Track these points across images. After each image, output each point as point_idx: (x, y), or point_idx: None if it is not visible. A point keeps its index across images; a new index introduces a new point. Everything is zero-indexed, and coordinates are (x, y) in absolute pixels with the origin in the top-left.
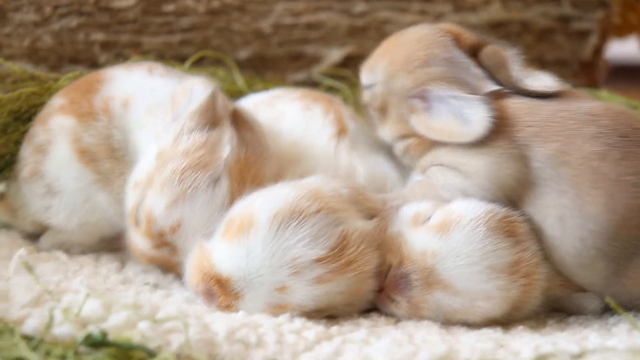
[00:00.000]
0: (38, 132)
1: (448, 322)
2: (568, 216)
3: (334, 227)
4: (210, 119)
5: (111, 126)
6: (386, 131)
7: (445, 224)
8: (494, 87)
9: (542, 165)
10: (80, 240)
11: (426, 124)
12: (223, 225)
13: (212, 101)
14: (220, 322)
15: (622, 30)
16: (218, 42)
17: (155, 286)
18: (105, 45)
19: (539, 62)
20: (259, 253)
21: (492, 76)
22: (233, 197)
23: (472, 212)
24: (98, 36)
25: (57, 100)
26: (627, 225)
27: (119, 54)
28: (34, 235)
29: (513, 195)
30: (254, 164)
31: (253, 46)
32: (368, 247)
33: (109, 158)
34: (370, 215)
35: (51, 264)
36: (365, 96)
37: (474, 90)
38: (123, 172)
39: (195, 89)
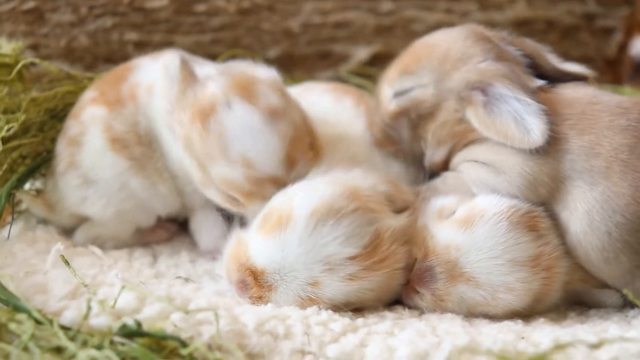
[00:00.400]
0: (71, 125)
1: (471, 314)
2: (596, 209)
3: (368, 226)
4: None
5: (138, 113)
6: (428, 136)
7: (469, 218)
8: (540, 82)
9: (575, 157)
10: (115, 231)
11: (483, 119)
12: (260, 218)
13: (185, 68)
14: (249, 314)
15: None
16: (248, 41)
17: (187, 280)
18: (138, 45)
19: (564, 60)
20: (295, 248)
21: (533, 65)
22: None
23: (495, 206)
24: (132, 36)
25: (89, 94)
26: None
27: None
28: (70, 231)
29: (545, 193)
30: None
31: (282, 45)
32: (399, 245)
33: (138, 144)
34: (403, 208)
35: (87, 258)
36: (397, 104)
37: (526, 88)
38: (152, 157)
39: (168, 65)
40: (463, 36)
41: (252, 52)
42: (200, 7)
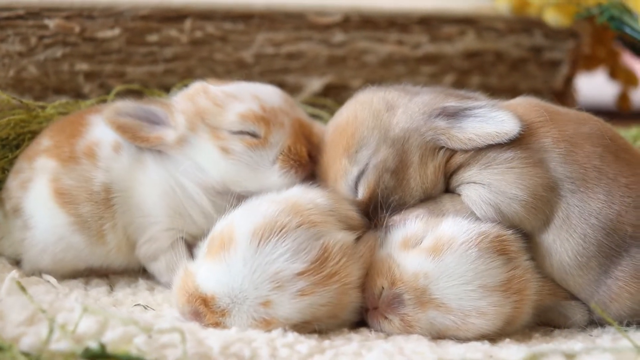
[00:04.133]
0: (24, 168)
1: (439, 337)
2: (575, 214)
3: (315, 241)
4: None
5: (94, 169)
6: (414, 184)
7: (436, 246)
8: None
9: (556, 165)
10: (55, 271)
11: (462, 136)
12: (205, 246)
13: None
14: (214, 337)
15: (590, 63)
16: (201, 71)
17: (146, 307)
18: (89, 75)
19: (513, 92)
20: (241, 269)
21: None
22: None
23: (464, 234)
24: (82, 66)
25: (45, 141)
26: (621, 221)
27: (103, 84)
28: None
29: (546, 208)
30: None
31: (235, 76)
32: (349, 259)
33: (88, 201)
34: (351, 226)
35: (42, 287)
36: (364, 189)
37: (474, 99)
38: (102, 216)
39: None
40: (369, 100)
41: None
42: (153, 38)
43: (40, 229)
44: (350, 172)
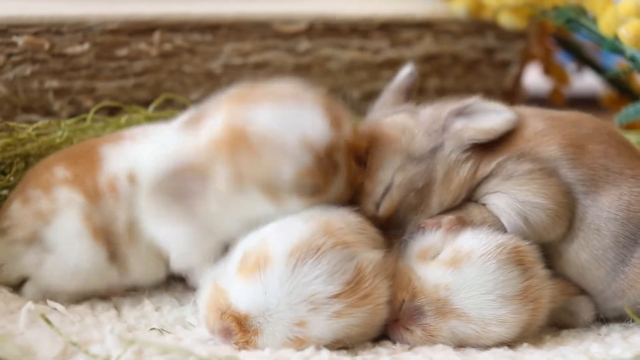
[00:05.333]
0: (38, 196)
1: (460, 346)
2: (589, 213)
3: (348, 262)
4: None
5: (117, 207)
6: (435, 200)
7: (455, 259)
8: None
9: (566, 171)
10: (70, 293)
11: (479, 128)
12: (237, 261)
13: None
14: (252, 359)
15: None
16: (170, 84)
17: (162, 331)
18: (59, 92)
19: (468, 92)
20: (277, 290)
21: None
22: None
23: (482, 247)
24: (52, 83)
25: (60, 172)
26: (632, 209)
27: (73, 101)
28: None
29: (568, 214)
30: None
31: (204, 87)
32: (381, 278)
33: (118, 238)
34: (378, 244)
35: (54, 316)
36: (386, 207)
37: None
38: (128, 252)
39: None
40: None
41: (176, 95)
42: (122, 52)
43: (76, 258)
44: (375, 192)
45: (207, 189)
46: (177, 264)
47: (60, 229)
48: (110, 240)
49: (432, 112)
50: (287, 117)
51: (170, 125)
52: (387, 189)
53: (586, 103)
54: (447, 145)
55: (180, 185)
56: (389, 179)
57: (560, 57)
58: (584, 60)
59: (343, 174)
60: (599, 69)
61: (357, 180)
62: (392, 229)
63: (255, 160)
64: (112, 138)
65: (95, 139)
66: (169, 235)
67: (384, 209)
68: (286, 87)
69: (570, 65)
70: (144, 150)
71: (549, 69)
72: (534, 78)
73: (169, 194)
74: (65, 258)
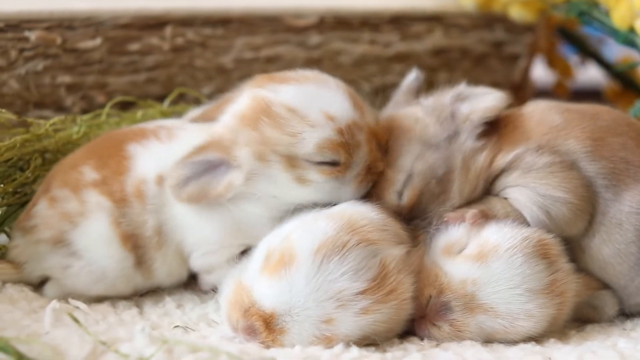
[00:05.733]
0: (67, 197)
1: (488, 341)
2: (610, 207)
3: (372, 258)
4: None
5: (144, 212)
6: (455, 188)
7: (482, 253)
8: None
9: (586, 164)
10: (91, 295)
11: (484, 107)
12: (260, 259)
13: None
14: (282, 358)
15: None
16: (182, 79)
17: (186, 328)
18: (71, 88)
19: (477, 86)
20: (303, 287)
21: None
22: None
23: (508, 241)
24: (64, 78)
25: (89, 172)
26: None
27: (85, 96)
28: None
29: (589, 208)
30: None
31: (216, 81)
32: (405, 274)
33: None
34: (401, 239)
35: (78, 315)
36: (410, 195)
37: None
38: (153, 256)
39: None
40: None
41: (189, 90)
42: (134, 46)
43: (103, 264)
44: (397, 180)
45: (230, 165)
46: (200, 263)
47: (89, 233)
48: (138, 245)
49: (435, 101)
50: (311, 92)
51: (195, 125)
52: (409, 177)
53: (590, 96)
54: (462, 133)
55: (204, 163)
56: (410, 167)
57: (564, 51)
58: (588, 53)
59: (364, 153)
60: (602, 62)
61: (378, 166)
62: (416, 219)
63: (278, 129)
64: (137, 134)
65: (120, 133)
66: (199, 231)
67: (407, 197)
68: (309, 72)
69: (573, 59)
70: (172, 150)
71: (553, 62)
72: (538, 71)
73: (193, 175)
74: (92, 263)
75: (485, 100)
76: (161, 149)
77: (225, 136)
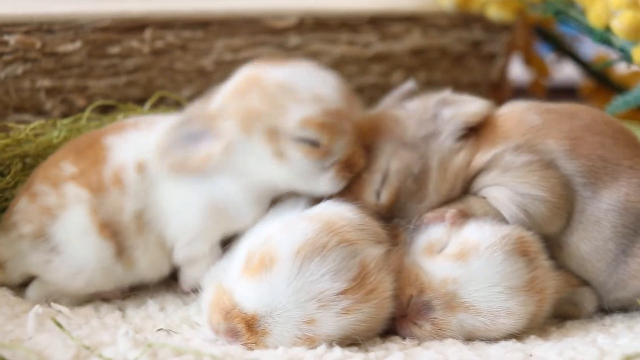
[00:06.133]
0: (46, 192)
1: (469, 339)
2: (588, 204)
3: (352, 258)
4: None
5: (124, 199)
6: (432, 188)
7: (462, 252)
8: None
9: (564, 163)
10: (75, 294)
11: (468, 112)
12: (241, 261)
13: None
14: (266, 358)
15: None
16: (162, 81)
17: (169, 331)
18: (50, 92)
19: (455, 85)
20: (285, 289)
21: None
22: None
23: (488, 239)
24: (44, 82)
25: (68, 167)
26: (630, 200)
27: (65, 100)
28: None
29: (567, 206)
30: None
31: (196, 84)
32: (385, 273)
33: (124, 232)
34: (380, 239)
35: (60, 319)
36: (387, 195)
37: None
38: (134, 244)
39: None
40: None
41: (169, 93)
42: (114, 50)
43: (81, 257)
44: (374, 180)
45: (212, 136)
46: (183, 254)
47: (68, 225)
48: (117, 231)
49: (419, 104)
50: (304, 73)
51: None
52: (385, 177)
53: (566, 94)
54: (441, 133)
55: (187, 133)
56: (385, 166)
57: (541, 49)
58: (564, 52)
59: (346, 143)
60: (578, 60)
61: (358, 162)
62: (395, 218)
63: (266, 100)
64: (115, 128)
65: (98, 130)
66: (180, 216)
67: (385, 196)
68: (302, 62)
69: (550, 57)
70: (152, 137)
71: (530, 60)
72: (515, 70)
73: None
74: (71, 256)
75: (470, 105)
76: (140, 136)
77: (212, 109)
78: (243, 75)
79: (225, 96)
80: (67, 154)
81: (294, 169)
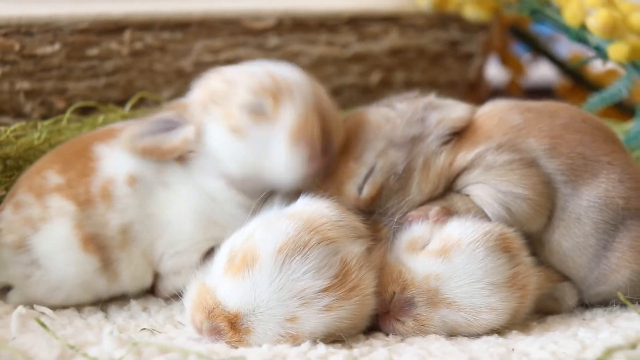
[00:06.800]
0: (30, 202)
1: (452, 335)
2: (569, 202)
3: (334, 256)
4: None
5: (109, 212)
6: (415, 187)
7: (445, 249)
8: None
9: (545, 161)
10: (60, 304)
11: (454, 117)
12: (223, 260)
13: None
14: (251, 357)
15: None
16: (141, 83)
17: (153, 331)
18: (30, 94)
19: (434, 85)
20: (267, 287)
21: None
22: None
23: (470, 235)
24: (23, 85)
25: (53, 177)
26: (610, 196)
27: (44, 102)
28: None
29: (548, 204)
30: None
31: (175, 85)
32: (366, 270)
33: (108, 246)
34: (360, 235)
35: (44, 320)
36: (369, 189)
37: None
38: (119, 257)
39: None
40: (366, 115)
41: (150, 94)
42: (93, 51)
43: (61, 272)
44: (359, 174)
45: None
46: (170, 264)
47: (49, 238)
48: (102, 245)
49: (408, 105)
50: (266, 63)
51: None
52: (370, 172)
53: (542, 93)
54: (428, 136)
55: (161, 121)
56: (372, 162)
57: (517, 49)
58: (540, 51)
59: (298, 109)
60: (554, 59)
61: (315, 142)
62: (375, 214)
63: (223, 83)
64: (105, 134)
65: (86, 136)
66: (173, 226)
67: (366, 191)
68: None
69: (525, 56)
70: None
71: (506, 60)
72: (491, 70)
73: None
74: (51, 271)
75: (455, 110)
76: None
77: (181, 103)
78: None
79: (194, 89)
80: (53, 161)
81: (248, 140)
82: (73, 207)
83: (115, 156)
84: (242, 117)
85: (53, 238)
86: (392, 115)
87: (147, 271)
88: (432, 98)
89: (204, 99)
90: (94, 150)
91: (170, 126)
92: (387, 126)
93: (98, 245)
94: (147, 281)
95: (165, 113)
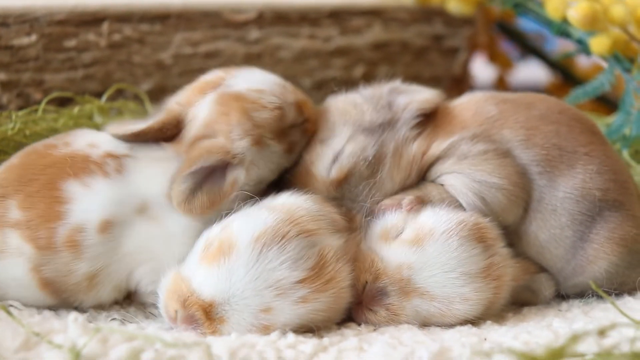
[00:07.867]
0: None
1: (425, 325)
2: (545, 193)
3: (311, 248)
4: None
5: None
6: (387, 175)
7: (418, 238)
8: None
9: (520, 152)
10: None
11: (421, 99)
12: (199, 250)
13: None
14: (218, 345)
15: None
16: (120, 75)
17: (123, 321)
18: (6, 85)
19: (418, 79)
20: (243, 275)
21: None
22: None
23: (443, 224)
24: (0, 76)
25: (13, 210)
26: (586, 187)
27: (21, 93)
28: None
29: (524, 195)
30: None
31: (154, 77)
32: (343, 263)
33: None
34: (338, 228)
35: (13, 310)
36: (337, 172)
37: None
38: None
39: None
40: (334, 103)
41: (127, 85)
42: (70, 43)
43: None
44: (326, 156)
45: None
46: (150, 288)
47: (5, 273)
48: (61, 290)
49: (373, 91)
50: (262, 75)
51: (141, 151)
52: (338, 155)
53: (532, 91)
54: (397, 122)
55: (202, 170)
56: (341, 147)
57: (504, 46)
58: (528, 48)
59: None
60: (541, 55)
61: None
62: (346, 200)
63: (267, 113)
64: (80, 168)
65: (57, 158)
66: (159, 255)
67: (334, 173)
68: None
69: (514, 53)
70: (124, 189)
71: (494, 56)
72: (479, 67)
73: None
74: (9, 294)
75: (422, 93)
76: (109, 187)
77: (214, 144)
78: (225, 98)
79: (220, 120)
80: (17, 188)
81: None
82: (32, 250)
83: (89, 199)
84: (294, 133)
85: (9, 273)
86: (359, 101)
87: (117, 294)
88: (397, 83)
89: (253, 132)
90: (63, 190)
91: (211, 171)
92: (354, 111)
93: (58, 289)
94: (111, 300)
95: (205, 159)
